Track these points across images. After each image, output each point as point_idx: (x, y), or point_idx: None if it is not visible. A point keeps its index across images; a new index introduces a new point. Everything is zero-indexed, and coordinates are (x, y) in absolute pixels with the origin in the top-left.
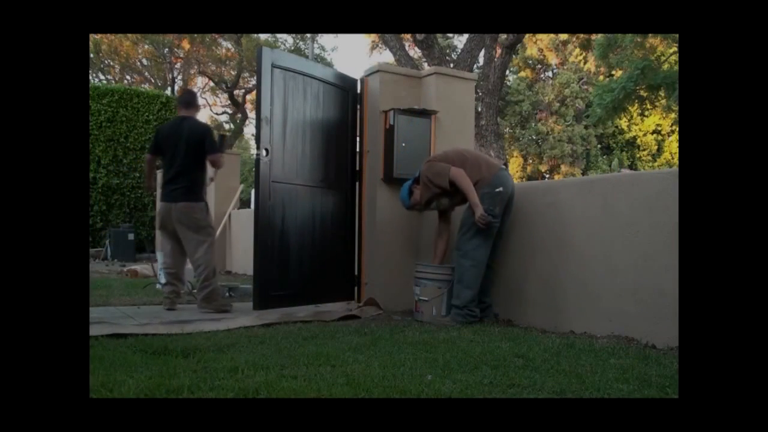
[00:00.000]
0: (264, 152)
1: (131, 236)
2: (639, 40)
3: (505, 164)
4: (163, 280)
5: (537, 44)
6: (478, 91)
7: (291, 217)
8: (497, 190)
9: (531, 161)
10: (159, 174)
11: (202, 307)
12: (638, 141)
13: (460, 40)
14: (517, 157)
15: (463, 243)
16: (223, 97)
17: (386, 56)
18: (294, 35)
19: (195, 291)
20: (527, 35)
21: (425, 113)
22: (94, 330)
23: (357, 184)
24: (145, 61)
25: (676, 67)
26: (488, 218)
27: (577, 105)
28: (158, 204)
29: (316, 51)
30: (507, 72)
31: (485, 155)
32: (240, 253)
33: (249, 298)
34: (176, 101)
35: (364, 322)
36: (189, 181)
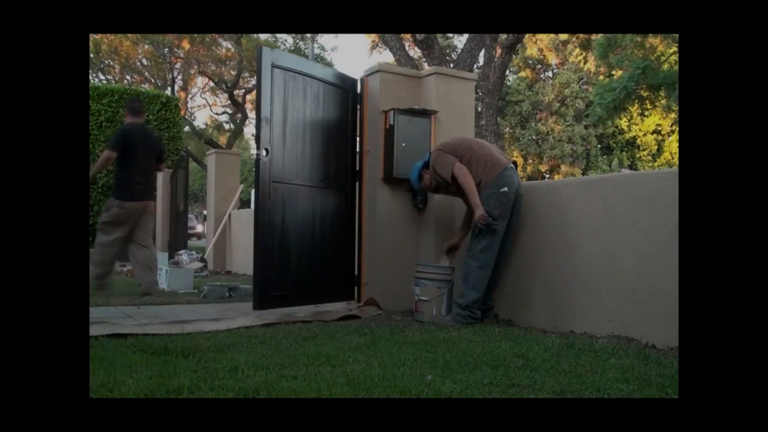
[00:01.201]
0: (264, 152)
1: None
2: (639, 40)
3: (514, 163)
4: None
5: (537, 44)
6: (478, 91)
7: (291, 217)
8: (502, 190)
9: (531, 161)
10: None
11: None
12: (638, 141)
13: (460, 40)
14: (517, 157)
15: (474, 244)
16: (223, 97)
17: (386, 56)
18: (294, 35)
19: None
20: (527, 35)
21: (425, 113)
22: (94, 330)
23: (357, 184)
24: (145, 61)
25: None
26: (488, 219)
27: (577, 105)
28: (128, 203)
29: (316, 51)
30: (507, 72)
31: (495, 150)
32: (240, 253)
33: (249, 298)
34: (126, 108)
35: (364, 322)
36: (152, 182)
